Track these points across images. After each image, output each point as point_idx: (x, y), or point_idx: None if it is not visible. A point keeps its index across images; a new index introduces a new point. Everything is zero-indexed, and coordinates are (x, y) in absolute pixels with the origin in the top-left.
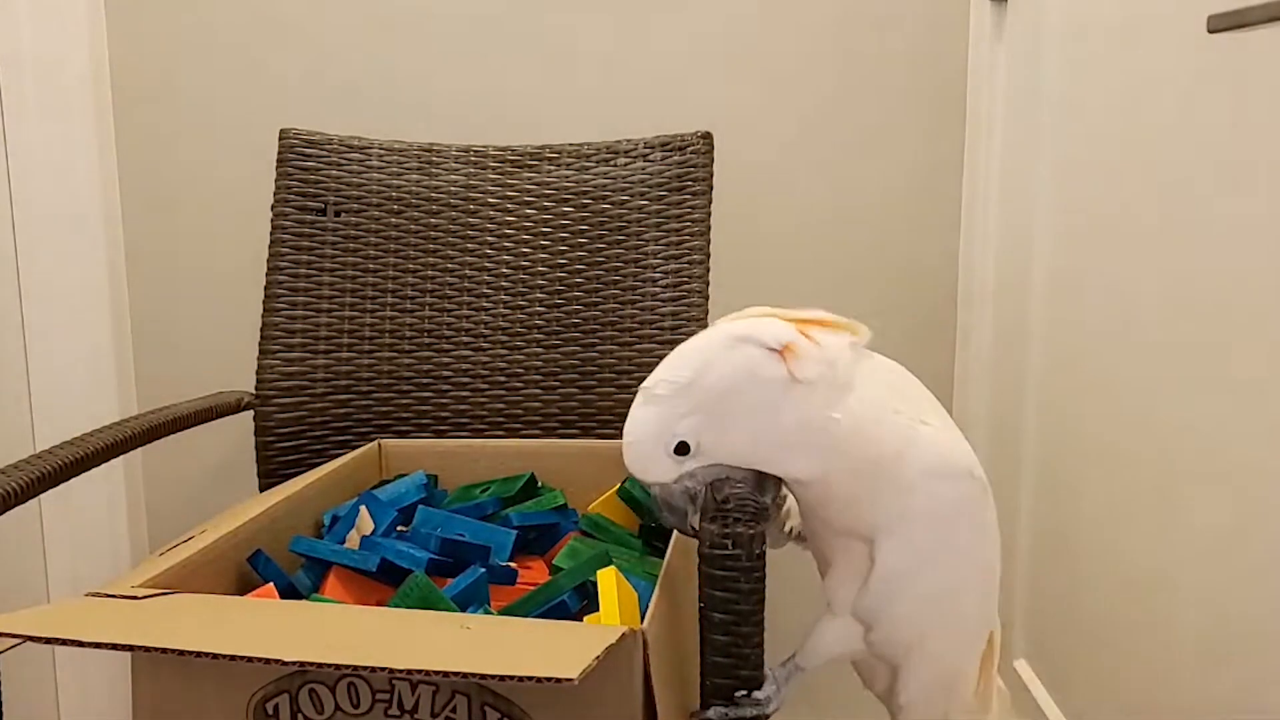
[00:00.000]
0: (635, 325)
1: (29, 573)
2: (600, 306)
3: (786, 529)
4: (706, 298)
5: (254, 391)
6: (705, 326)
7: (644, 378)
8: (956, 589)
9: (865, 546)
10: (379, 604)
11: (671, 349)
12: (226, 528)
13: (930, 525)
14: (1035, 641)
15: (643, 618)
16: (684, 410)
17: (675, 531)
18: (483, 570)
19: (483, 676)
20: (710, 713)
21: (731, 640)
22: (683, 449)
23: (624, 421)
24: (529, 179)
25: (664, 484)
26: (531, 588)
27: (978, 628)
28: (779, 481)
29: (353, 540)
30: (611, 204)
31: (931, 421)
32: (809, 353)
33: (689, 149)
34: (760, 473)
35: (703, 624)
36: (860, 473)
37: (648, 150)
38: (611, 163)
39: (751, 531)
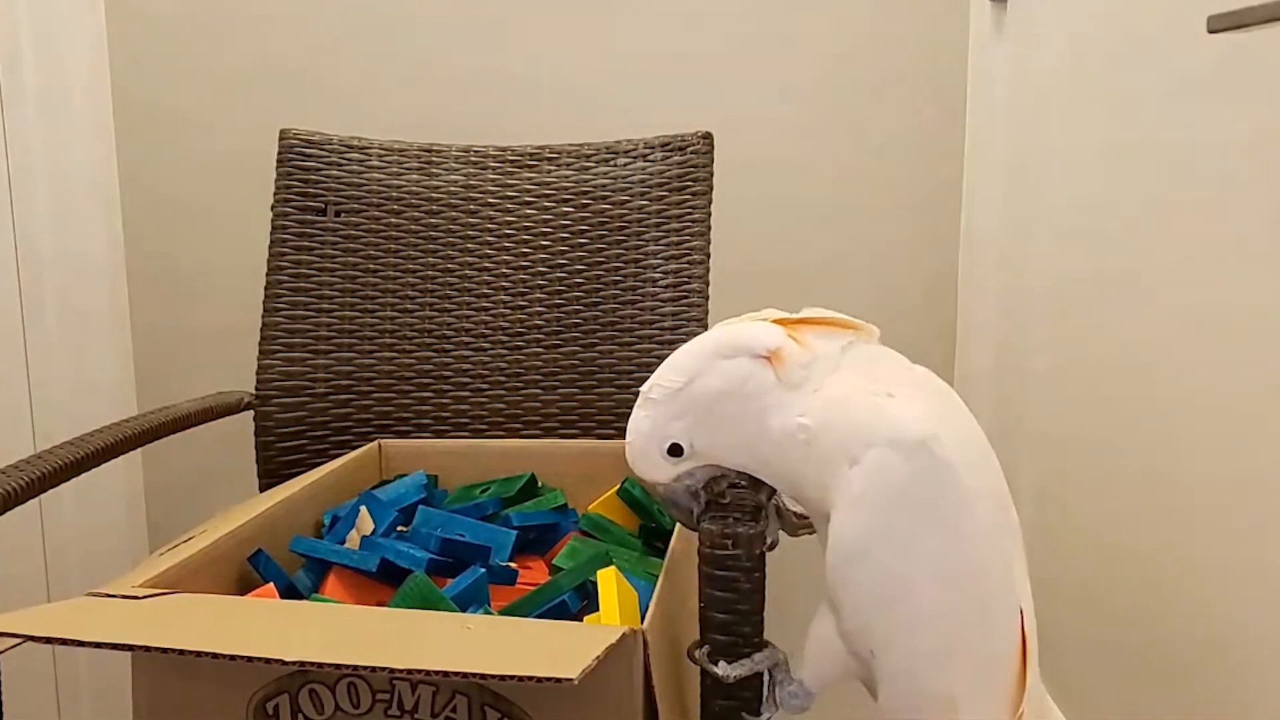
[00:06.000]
0: (635, 325)
1: (29, 573)
2: (600, 306)
3: (769, 542)
4: (706, 298)
5: (254, 391)
6: (705, 327)
7: (644, 378)
8: (907, 582)
9: None
10: (379, 604)
11: (672, 350)
12: (226, 528)
13: (873, 502)
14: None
15: (643, 618)
16: (676, 414)
17: (675, 532)
18: (483, 570)
19: (483, 676)
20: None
21: (731, 640)
22: (675, 450)
23: (624, 421)
24: (529, 179)
25: (665, 484)
26: (531, 588)
27: (951, 642)
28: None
29: (353, 540)
30: (611, 204)
31: (898, 393)
32: (794, 357)
33: (689, 149)
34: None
35: (703, 624)
36: (831, 459)
37: (648, 150)
38: (611, 163)
39: (751, 531)
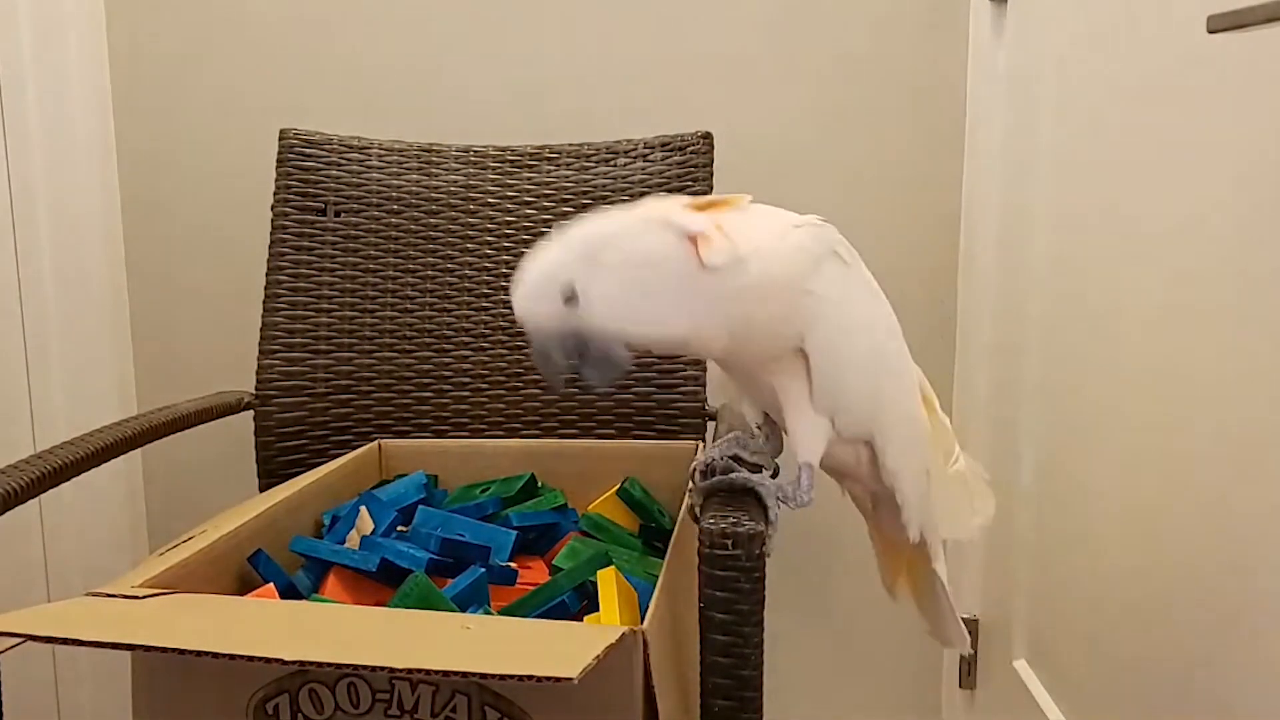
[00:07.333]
0: None
1: (29, 573)
2: None
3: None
4: None
5: (254, 391)
6: None
7: (645, 377)
8: (882, 348)
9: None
10: (379, 604)
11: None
12: (226, 528)
13: (835, 291)
14: (1035, 641)
15: (643, 618)
16: (587, 260)
17: (675, 532)
18: (483, 570)
19: (483, 676)
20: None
21: (731, 640)
22: (572, 298)
23: (625, 421)
24: (529, 179)
25: (544, 328)
26: (531, 588)
27: (902, 363)
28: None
29: (353, 540)
30: (612, 204)
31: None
32: (719, 243)
33: (689, 149)
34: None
35: (703, 624)
36: (782, 297)
37: (648, 150)
38: (611, 163)
39: (751, 531)
